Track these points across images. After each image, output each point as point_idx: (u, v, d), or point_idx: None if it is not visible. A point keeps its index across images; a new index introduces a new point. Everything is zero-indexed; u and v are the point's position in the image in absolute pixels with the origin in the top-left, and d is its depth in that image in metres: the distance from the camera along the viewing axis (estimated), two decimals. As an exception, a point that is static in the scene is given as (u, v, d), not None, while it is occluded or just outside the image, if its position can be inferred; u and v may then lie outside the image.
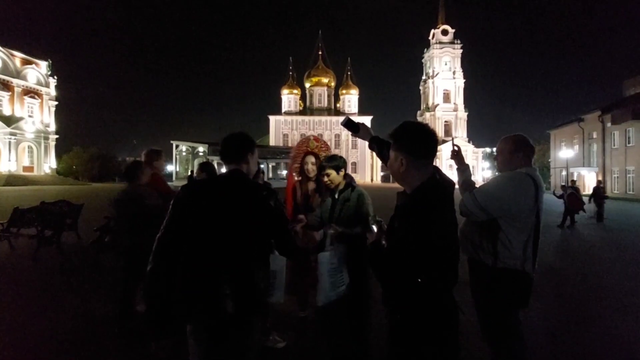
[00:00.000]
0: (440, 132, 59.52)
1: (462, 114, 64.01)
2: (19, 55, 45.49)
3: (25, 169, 43.76)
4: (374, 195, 2.80)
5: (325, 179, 2.77)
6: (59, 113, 51.50)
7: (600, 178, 29.98)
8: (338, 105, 71.86)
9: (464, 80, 64.61)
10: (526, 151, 2.35)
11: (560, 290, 5.26)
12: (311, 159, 3.38)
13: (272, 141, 66.51)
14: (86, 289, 4.93)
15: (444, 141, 55.09)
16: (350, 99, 70.52)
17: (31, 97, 45.99)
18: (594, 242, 9.94)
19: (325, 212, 2.78)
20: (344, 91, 70.61)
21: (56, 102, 50.21)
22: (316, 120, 68.74)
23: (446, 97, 64.42)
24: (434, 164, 1.60)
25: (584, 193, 14.54)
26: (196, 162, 37.25)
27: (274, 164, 43.29)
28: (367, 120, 57.83)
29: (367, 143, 2.18)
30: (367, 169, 68.31)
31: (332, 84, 71.86)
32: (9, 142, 41.80)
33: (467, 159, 3.17)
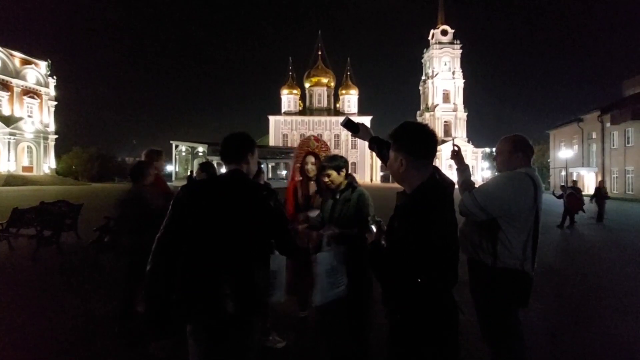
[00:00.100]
0: (439, 132, 59.55)
1: (462, 114, 64.06)
2: (18, 55, 45.48)
3: (24, 169, 43.73)
4: (374, 195, 2.79)
5: (326, 179, 2.77)
6: (59, 113, 51.61)
7: (600, 178, 30.00)
8: (338, 105, 71.90)
9: (464, 81, 64.70)
10: (525, 151, 2.36)
11: (560, 290, 5.27)
12: (311, 159, 3.39)
13: (272, 141, 66.51)
14: (86, 289, 4.93)
15: (444, 141, 55.14)
16: (350, 99, 70.55)
17: (30, 97, 45.96)
18: (593, 242, 9.95)
19: (326, 213, 2.79)
20: (343, 91, 70.64)
21: (55, 102, 50.18)
22: (316, 121, 68.75)
23: (446, 97, 64.46)
24: (434, 164, 1.60)
25: (584, 193, 14.53)
26: (196, 162, 37.19)
27: (273, 164, 43.23)
28: (366, 120, 57.87)
29: (366, 143, 2.18)
30: (367, 169, 68.32)
31: (332, 84, 71.91)
32: (8, 142, 41.76)
33: (467, 159, 3.17)
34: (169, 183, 5.65)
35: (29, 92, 45.77)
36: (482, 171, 62.65)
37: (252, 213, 1.69)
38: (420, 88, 69.59)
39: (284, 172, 43.45)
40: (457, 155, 2.59)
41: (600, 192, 14.40)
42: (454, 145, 2.62)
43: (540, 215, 2.27)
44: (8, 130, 41.56)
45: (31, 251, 6.75)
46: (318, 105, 71.23)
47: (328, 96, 71.85)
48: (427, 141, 1.54)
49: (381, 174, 68.50)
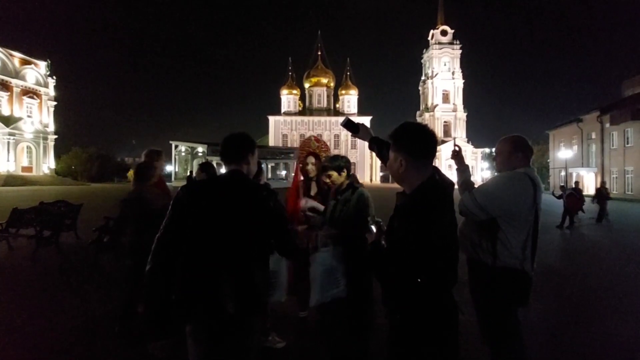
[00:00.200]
0: (439, 133, 59.60)
1: (462, 115, 64.06)
2: (17, 55, 45.42)
3: (24, 169, 43.67)
4: (373, 195, 2.79)
5: (327, 180, 2.77)
6: (58, 113, 51.50)
7: (599, 178, 30.04)
8: (337, 105, 71.87)
9: (463, 81, 64.67)
10: (525, 152, 2.37)
11: (560, 290, 5.27)
12: (311, 160, 3.42)
13: (272, 141, 66.46)
14: (85, 289, 4.93)
15: (443, 141, 55.17)
16: (350, 99, 70.53)
17: (30, 97, 45.91)
18: (593, 242, 9.96)
19: (328, 213, 2.80)
20: (343, 91, 70.60)
21: (55, 102, 50.12)
22: (315, 121, 68.74)
23: (445, 98, 64.45)
24: (434, 164, 1.60)
25: (584, 194, 14.53)
26: (195, 163, 37.20)
27: (273, 164, 43.25)
28: (366, 120, 57.85)
29: (366, 143, 2.19)
30: (367, 169, 68.31)
31: (332, 84, 71.87)
32: (8, 143, 41.72)
33: (466, 159, 3.19)
34: (168, 183, 5.64)
35: (29, 92, 45.72)
36: (481, 171, 62.65)
37: (251, 213, 1.69)
38: (420, 88, 69.59)
39: (283, 172, 43.47)
40: (457, 155, 2.59)
41: (602, 193, 14.38)
42: (455, 145, 2.63)
43: (540, 215, 2.28)
44: (7, 130, 41.51)
45: (31, 251, 6.75)
46: (318, 105, 71.20)
47: (328, 96, 71.82)
48: (426, 141, 1.54)
49: (381, 174, 68.50)
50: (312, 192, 3.40)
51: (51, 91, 49.27)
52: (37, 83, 46.88)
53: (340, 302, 2.42)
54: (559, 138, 42.16)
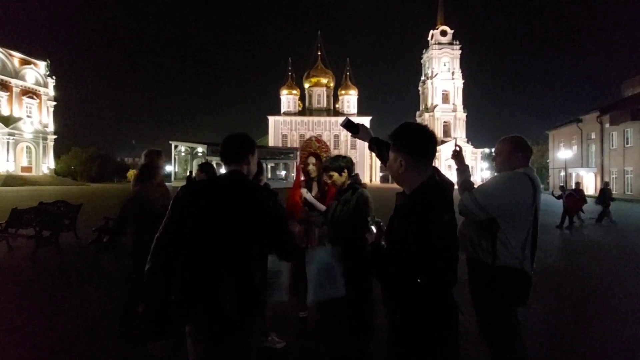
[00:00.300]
0: (439, 133, 59.62)
1: (461, 115, 64.10)
2: (17, 55, 45.44)
3: (23, 169, 43.68)
4: (373, 195, 2.80)
5: (328, 180, 2.78)
6: (58, 113, 51.55)
7: (600, 179, 30.06)
8: (337, 105, 71.88)
9: (463, 81, 64.72)
10: (524, 152, 2.38)
11: (560, 290, 5.27)
12: (312, 160, 3.45)
13: (271, 142, 66.44)
14: (85, 289, 4.93)
15: (443, 142, 55.18)
16: (350, 100, 70.55)
17: (30, 97, 45.93)
18: (593, 242, 9.97)
19: (329, 213, 2.80)
20: (343, 92, 70.62)
21: (55, 102, 50.14)
22: (315, 121, 68.75)
23: (445, 98, 64.49)
24: (433, 164, 1.60)
25: (586, 194, 14.51)
26: (195, 163, 37.15)
27: (272, 164, 43.25)
28: (366, 120, 57.87)
29: (366, 144, 2.19)
30: (366, 169, 68.30)
31: (331, 84, 71.88)
32: (7, 143, 41.73)
33: (466, 160, 3.20)
34: (168, 184, 5.64)
35: (28, 92, 45.72)
36: (481, 171, 62.67)
37: (251, 214, 1.69)
38: (420, 88, 69.62)
39: (283, 173, 43.48)
40: (458, 155, 2.60)
41: (605, 194, 14.35)
42: (456, 145, 2.64)
43: (539, 215, 2.28)
44: (7, 130, 41.52)
45: (30, 251, 6.75)
46: (317, 105, 71.20)
47: (327, 96, 71.82)
48: (426, 142, 1.54)
49: (381, 174, 68.51)
50: (313, 193, 3.42)
51: (51, 91, 49.28)
52: (37, 83, 46.89)
53: (340, 302, 2.42)
54: (558, 138, 42.18)
